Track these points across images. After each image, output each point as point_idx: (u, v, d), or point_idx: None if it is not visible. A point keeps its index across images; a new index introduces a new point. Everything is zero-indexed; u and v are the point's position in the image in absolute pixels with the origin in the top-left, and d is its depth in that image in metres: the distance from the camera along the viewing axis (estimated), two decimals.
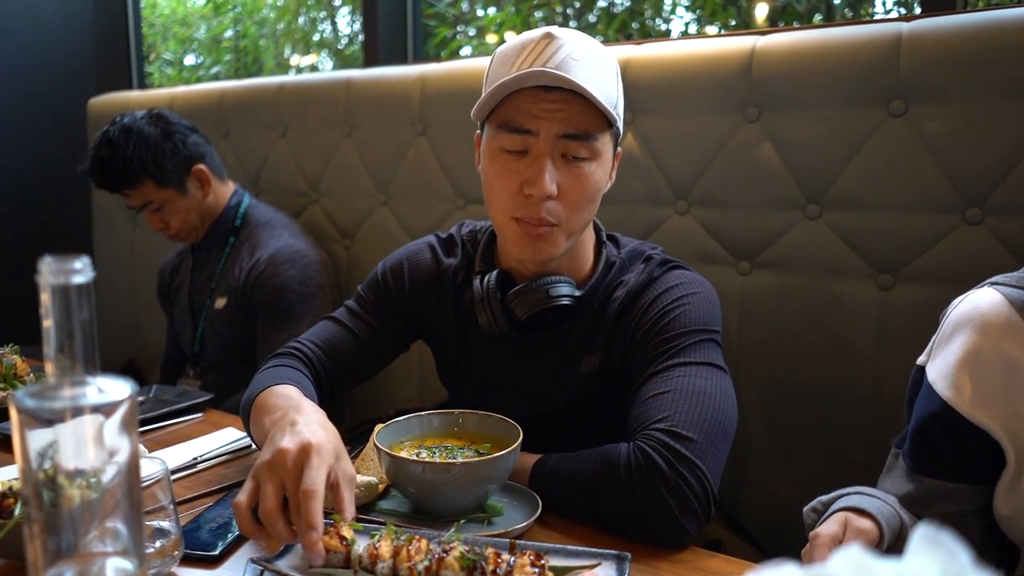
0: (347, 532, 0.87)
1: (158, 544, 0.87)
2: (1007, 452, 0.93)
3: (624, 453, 1.02)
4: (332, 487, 0.90)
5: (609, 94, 1.12)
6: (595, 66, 1.11)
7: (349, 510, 0.90)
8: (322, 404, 1.26)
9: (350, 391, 1.39)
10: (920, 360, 1.03)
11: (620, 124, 1.17)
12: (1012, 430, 0.92)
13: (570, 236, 1.17)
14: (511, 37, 1.18)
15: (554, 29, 1.13)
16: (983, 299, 0.94)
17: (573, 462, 1.07)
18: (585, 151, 1.12)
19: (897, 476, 1.03)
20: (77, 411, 0.55)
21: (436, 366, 1.40)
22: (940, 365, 0.97)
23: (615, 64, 1.16)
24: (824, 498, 1.00)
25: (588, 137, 1.11)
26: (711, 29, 2.49)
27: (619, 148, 1.22)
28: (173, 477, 1.17)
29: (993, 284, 0.96)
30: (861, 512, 0.94)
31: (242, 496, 0.89)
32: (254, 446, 1.27)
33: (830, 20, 2.32)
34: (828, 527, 0.91)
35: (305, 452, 0.89)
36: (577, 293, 1.20)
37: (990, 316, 0.92)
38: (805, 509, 1.01)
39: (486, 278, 1.23)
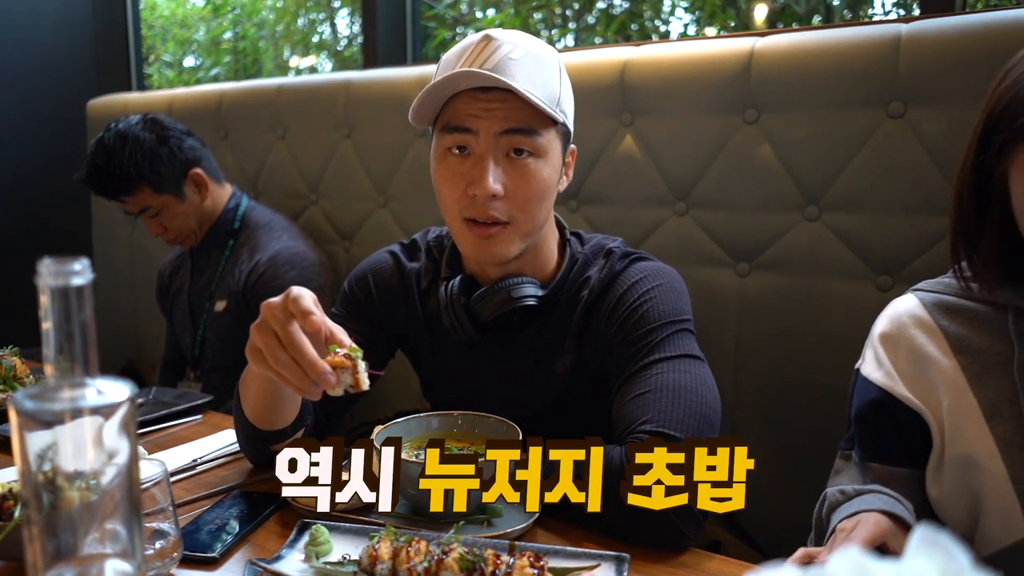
0: (349, 351, 0.94)
1: (157, 546, 0.87)
2: (933, 430, 0.99)
3: (617, 458, 1.02)
4: (317, 332, 0.95)
5: (550, 91, 1.12)
6: (534, 65, 1.11)
7: (344, 339, 0.96)
8: (324, 419, 1.26)
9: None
10: (857, 364, 1.11)
11: (568, 121, 1.17)
12: (931, 412, 1.00)
13: (524, 236, 1.16)
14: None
15: (495, 31, 1.14)
16: (900, 302, 1.07)
17: None
18: (528, 145, 1.12)
19: (846, 475, 1.06)
20: (76, 413, 0.55)
21: (420, 383, 1.40)
22: (869, 358, 1.07)
23: (557, 62, 1.16)
24: (858, 485, 0.99)
25: (530, 132, 1.11)
26: (710, 30, 2.49)
27: (572, 146, 1.22)
28: (172, 479, 1.17)
29: (913, 290, 1.07)
30: (900, 522, 0.92)
31: (254, 367, 0.97)
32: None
33: (829, 21, 2.32)
34: (865, 531, 0.89)
35: (283, 296, 0.95)
36: (541, 293, 1.20)
37: (902, 312, 1.04)
38: (830, 490, 1.00)
39: (450, 284, 1.23)
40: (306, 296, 0.95)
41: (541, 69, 1.12)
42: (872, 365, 1.05)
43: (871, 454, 1.04)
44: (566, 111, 1.16)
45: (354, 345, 0.96)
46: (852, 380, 1.11)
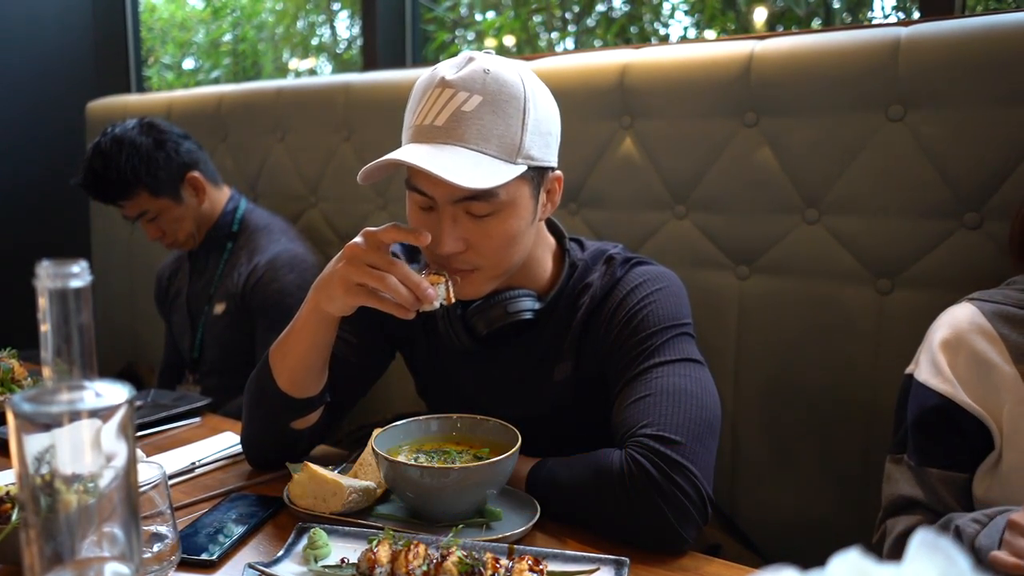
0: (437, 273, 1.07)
1: (155, 549, 0.87)
2: (995, 435, 1.01)
3: (617, 462, 1.02)
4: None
5: (508, 141, 1.07)
6: (490, 113, 1.06)
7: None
8: (325, 421, 1.26)
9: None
10: (908, 369, 1.12)
11: (538, 160, 1.11)
12: (991, 417, 1.01)
13: (495, 278, 1.16)
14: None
15: (452, 70, 1.08)
16: (958, 310, 1.09)
17: (567, 470, 1.07)
18: (487, 208, 1.08)
19: (902, 480, 1.07)
20: (74, 415, 0.54)
21: (415, 384, 1.40)
22: (925, 365, 1.08)
23: (521, 100, 1.08)
24: (988, 510, 0.96)
25: (487, 196, 1.07)
26: (710, 33, 2.49)
27: (555, 173, 1.17)
28: (171, 482, 1.17)
29: (969, 299, 1.09)
30: None
31: (350, 302, 1.07)
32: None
33: (829, 25, 2.32)
34: None
35: (364, 234, 1.06)
36: (537, 306, 1.20)
37: (962, 319, 1.07)
38: (962, 522, 0.95)
39: None
40: (390, 225, 1.07)
41: (498, 117, 1.07)
42: (929, 371, 1.07)
43: (929, 459, 1.06)
44: (533, 153, 1.10)
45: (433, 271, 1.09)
46: (903, 385, 1.12)
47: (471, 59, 1.10)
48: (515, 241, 1.13)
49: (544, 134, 1.12)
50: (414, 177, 1.10)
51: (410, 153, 1.05)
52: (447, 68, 1.09)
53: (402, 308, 1.05)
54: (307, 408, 1.18)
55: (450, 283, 1.08)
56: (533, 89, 1.11)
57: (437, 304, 1.06)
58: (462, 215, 1.09)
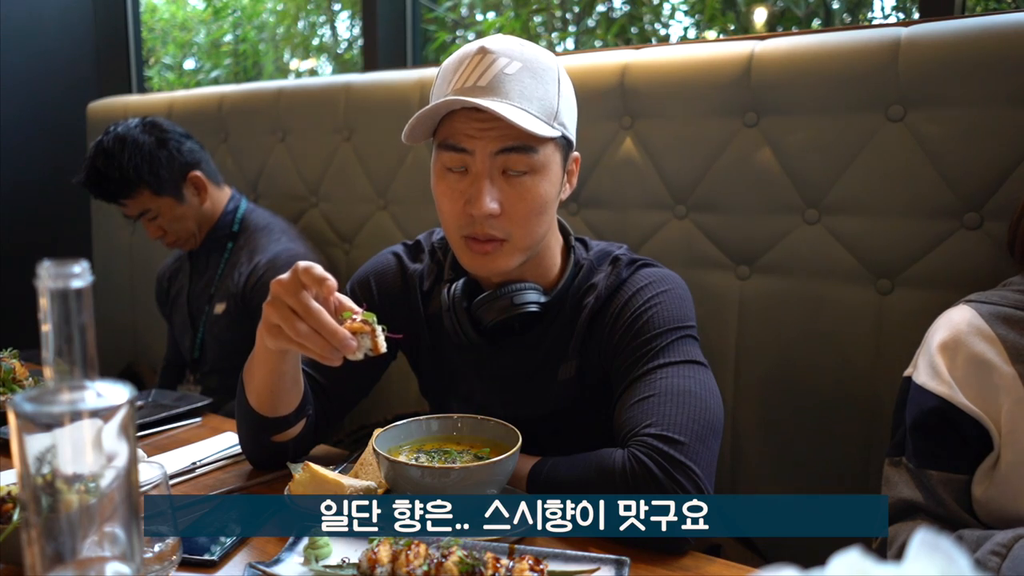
0: (364, 316, 0.98)
1: (156, 549, 0.87)
2: (993, 436, 1.01)
3: (619, 460, 1.02)
4: (329, 299, 0.99)
5: (547, 105, 1.11)
6: (530, 78, 1.11)
7: (352, 306, 1.00)
8: (325, 421, 1.27)
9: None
10: (907, 372, 1.12)
11: (568, 132, 1.16)
12: (990, 418, 1.02)
13: (523, 251, 1.16)
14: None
15: (490, 42, 1.13)
16: (955, 312, 1.10)
17: (569, 469, 1.07)
18: (524, 164, 1.11)
19: (901, 483, 1.08)
20: (76, 416, 0.54)
21: (418, 383, 1.40)
22: (923, 367, 1.08)
23: (556, 72, 1.15)
24: (999, 539, 0.94)
25: (526, 149, 1.10)
26: (710, 34, 2.49)
27: (575, 153, 1.22)
28: (172, 482, 1.17)
29: (966, 301, 1.10)
30: None
31: (272, 343, 1.01)
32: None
33: (829, 25, 2.32)
34: None
35: (291, 270, 0.98)
36: (543, 300, 1.20)
37: (959, 322, 1.07)
38: (981, 555, 0.94)
39: (453, 286, 1.23)
40: (316, 266, 0.98)
41: (538, 82, 1.11)
42: (927, 374, 1.07)
43: (929, 461, 1.06)
44: (565, 122, 1.15)
45: (366, 310, 1.00)
46: (901, 388, 1.12)
47: (502, 38, 1.16)
48: (543, 210, 1.15)
49: (572, 108, 1.19)
50: (453, 134, 1.12)
51: (459, 99, 1.08)
52: (483, 41, 1.14)
53: (321, 356, 0.98)
54: (282, 426, 1.17)
55: (379, 331, 0.99)
56: (562, 66, 1.18)
57: (360, 355, 0.98)
58: (498, 175, 1.12)
